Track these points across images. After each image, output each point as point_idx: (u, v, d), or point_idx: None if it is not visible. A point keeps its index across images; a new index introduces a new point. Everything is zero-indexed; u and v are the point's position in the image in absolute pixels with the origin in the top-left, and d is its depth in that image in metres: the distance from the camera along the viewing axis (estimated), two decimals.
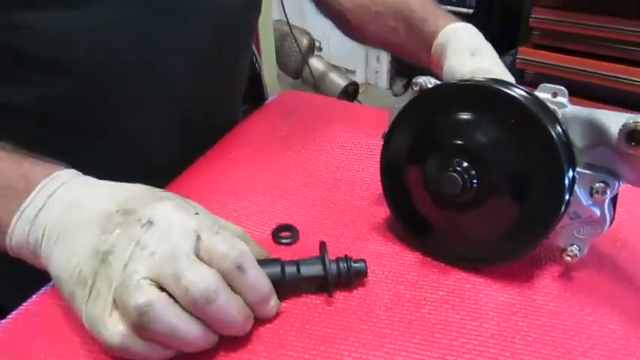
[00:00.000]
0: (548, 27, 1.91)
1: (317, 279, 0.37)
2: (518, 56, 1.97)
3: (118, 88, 0.49)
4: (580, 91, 1.79)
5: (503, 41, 2.18)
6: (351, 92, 2.55)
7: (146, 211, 0.33)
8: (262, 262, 0.35)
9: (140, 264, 0.30)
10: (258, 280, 0.33)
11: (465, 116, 0.38)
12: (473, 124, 0.38)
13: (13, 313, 0.37)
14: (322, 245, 0.39)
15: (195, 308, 0.30)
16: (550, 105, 0.38)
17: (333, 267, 0.37)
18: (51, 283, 0.39)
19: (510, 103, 0.36)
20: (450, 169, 0.37)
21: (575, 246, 0.38)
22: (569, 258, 0.38)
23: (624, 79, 1.75)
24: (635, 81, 1.73)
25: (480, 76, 0.43)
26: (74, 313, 0.33)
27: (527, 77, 1.99)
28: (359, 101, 2.59)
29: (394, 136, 0.42)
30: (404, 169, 0.42)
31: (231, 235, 0.33)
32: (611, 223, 0.37)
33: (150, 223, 0.32)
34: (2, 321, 0.36)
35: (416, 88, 0.43)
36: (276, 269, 0.36)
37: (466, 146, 0.37)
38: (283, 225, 0.45)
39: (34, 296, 0.39)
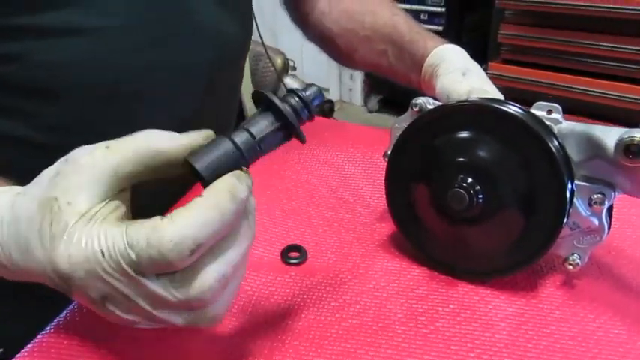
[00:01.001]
0: (516, 42, 1.99)
1: (278, 132, 0.32)
2: (488, 71, 2.03)
3: (118, 113, 0.50)
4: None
5: (473, 57, 2.25)
6: (327, 110, 2.58)
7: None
8: (207, 147, 0.30)
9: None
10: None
11: (467, 135, 0.40)
12: (475, 142, 0.39)
13: (25, 348, 0.37)
14: (263, 94, 0.32)
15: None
16: (546, 121, 0.40)
17: (287, 108, 0.32)
18: (58, 319, 0.39)
19: (510, 121, 0.38)
20: (456, 185, 0.39)
21: (575, 255, 0.40)
22: (571, 267, 0.40)
23: (589, 91, 1.82)
24: (599, 93, 1.81)
25: (475, 95, 0.45)
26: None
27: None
28: (335, 118, 2.62)
29: (398, 155, 0.44)
30: (409, 187, 0.43)
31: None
32: (609, 231, 0.39)
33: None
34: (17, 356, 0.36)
35: (416, 109, 0.44)
36: (228, 148, 0.30)
37: (470, 163, 0.39)
38: (291, 245, 0.46)
39: (46, 331, 0.38)
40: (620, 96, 1.76)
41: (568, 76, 1.86)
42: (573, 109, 1.87)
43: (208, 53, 0.53)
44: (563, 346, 0.36)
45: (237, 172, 0.30)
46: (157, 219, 0.27)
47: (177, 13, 0.50)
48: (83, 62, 0.45)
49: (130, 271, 0.27)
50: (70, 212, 0.28)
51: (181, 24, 0.50)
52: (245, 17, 0.61)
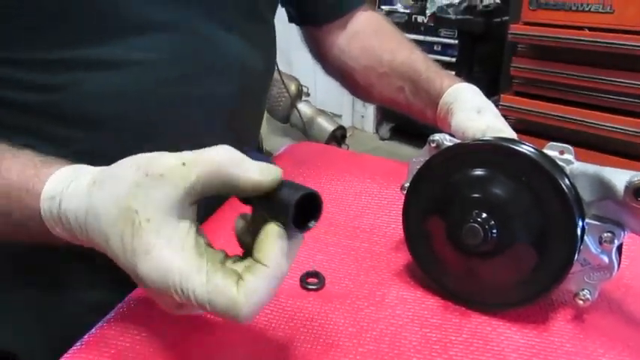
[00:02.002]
0: (528, 75, 2.02)
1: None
2: (500, 103, 2.06)
3: (144, 145, 0.52)
4: (559, 137, 1.88)
5: (484, 88, 2.29)
6: (339, 136, 2.61)
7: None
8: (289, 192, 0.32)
9: None
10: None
11: (482, 172, 0.42)
12: (490, 179, 0.41)
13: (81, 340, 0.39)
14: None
15: None
16: (558, 162, 0.42)
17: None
18: (88, 334, 0.41)
19: (524, 160, 0.40)
20: (471, 220, 0.41)
21: (586, 290, 0.41)
22: (581, 302, 0.41)
23: (601, 125, 1.84)
24: (610, 127, 1.82)
25: (491, 134, 0.47)
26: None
27: (509, 123, 2.07)
28: (347, 145, 2.65)
29: (416, 189, 0.46)
30: (425, 219, 0.45)
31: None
32: (618, 268, 0.41)
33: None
34: None
35: (433, 145, 0.47)
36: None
37: (485, 199, 0.41)
38: (310, 272, 0.48)
39: (76, 346, 0.40)
40: (632, 131, 1.78)
41: (579, 109, 1.89)
42: (585, 142, 1.89)
43: (234, 87, 0.56)
44: None
45: (280, 231, 0.32)
46: (232, 288, 0.30)
47: (208, 48, 0.53)
48: (123, 94, 0.48)
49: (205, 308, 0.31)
50: (150, 230, 0.31)
51: (211, 59, 0.53)
52: (269, 52, 0.64)
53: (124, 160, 0.34)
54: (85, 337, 0.41)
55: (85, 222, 0.34)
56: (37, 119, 0.48)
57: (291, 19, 0.73)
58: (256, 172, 0.32)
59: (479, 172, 0.42)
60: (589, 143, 1.90)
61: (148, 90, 0.50)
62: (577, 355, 0.39)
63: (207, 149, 0.33)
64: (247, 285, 0.30)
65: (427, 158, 0.45)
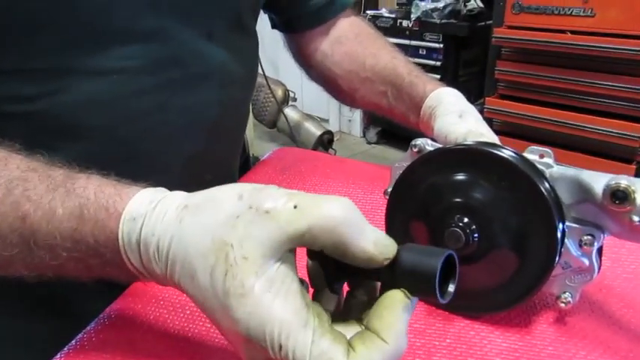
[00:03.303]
0: (513, 79, 2.04)
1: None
2: (485, 106, 2.08)
3: (131, 150, 0.52)
4: (543, 139, 1.90)
5: (470, 91, 2.31)
6: (326, 141, 2.61)
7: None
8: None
9: None
10: None
11: (463, 177, 0.42)
12: (471, 184, 0.42)
13: None
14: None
15: None
16: (538, 165, 0.42)
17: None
18: (67, 347, 0.41)
19: (505, 165, 0.40)
20: (453, 224, 0.41)
21: (567, 293, 0.41)
22: (563, 304, 0.41)
23: (585, 127, 1.87)
24: (594, 129, 1.85)
25: (472, 138, 0.48)
26: None
27: (494, 126, 2.10)
28: (334, 149, 2.65)
29: (398, 194, 0.46)
30: (407, 224, 0.45)
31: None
32: (599, 271, 0.41)
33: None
34: None
35: (415, 149, 0.47)
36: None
37: (466, 204, 0.41)
38: None
39: (57, 357, 0.40)
40: (615, 133, 1.80)
41: (563, 112, 1.91)
42: (569, 144, 1.92)
43: (215, 95, 0.56)
44: None
45: (408, 303, 0.29)
46: (341, 354, 0.27)
47: (189, 57, 0.53)
48: (103, 102, 0.48)
49: None
50: (247, 271, 0.27)
51: (192, 68, 0.53)
52: (251, 60, 0.64)
53: (224, 186, 0.31)
54: (65, 349, 0.41)
55: (169, 251, 0.30)
56: (20, 128, 0.47)
57: (274, 26, 0.73)
58: (371, 245, 0.28)
59: (460, 176, 0.42)
60: (572, 145, 1.92)
61: (130, 98, 0.50)
62: (559, 358, 0.39)
63: (325, 198, 0.28)
64: (359, 359, 0.27)
65: (409, 163, 0.46)
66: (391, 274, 0.29)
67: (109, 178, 0.35)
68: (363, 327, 0.29)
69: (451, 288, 0.30)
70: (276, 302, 0.27)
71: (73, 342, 0.41)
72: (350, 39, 0.70)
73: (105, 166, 0.51)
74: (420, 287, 0.28)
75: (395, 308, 0.28)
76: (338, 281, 0.32)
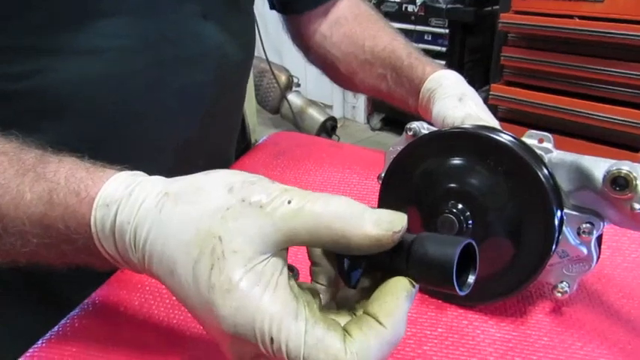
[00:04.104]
0: (518, 65, 2.01)
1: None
2: (490, 93, 2.05)
3: (122, 131, 0.51)
4: (549, 126, 1.87)
5: (475, 78, 2.28)
6: (329, 127, 2.60)
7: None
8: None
9: None
10: None
11: (459, 161, 0.40)
12: (467, 169, 0.40)
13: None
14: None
15: None
16: (537, 150, 0.40)
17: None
18: (50, 332, 0.40)
19: (502, 149, 0.39)
20: (447, 211, 0.39)
21: (564, 283, 0.40)
22: (559, 294, 0.40)
23: (591, 114, 1.84)
24: (600, 116, 1.82)
25: (470, 122, 0.46)
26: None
27: (500, 113, 2.07)
28: (337, 136, 2.64)
29: (392, 179, 0.44)
30: (401, 210, 0.44)
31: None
32: (598, 260, 0.40)
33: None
34: None
35: (410, 133, 0.45)
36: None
37: (461, 189, 0.40)
38: None
39: (38, 344, 0.39)
40: (622, 120, 1.77)
41: (569, 99, 1.88)
42: (575, 132, 1.89)
43: (211, 75, 0.55)
44: None
45: (412, 291, 0.27)
46: (338, 343, 0.25)
47: (183, 36, 0.51)
48: (93, 81, 0.46)
49: None
50: (236, 264, 0.25)
51: (187, 47, 0.52)
52: (248, 42, 0.63)
53: (212, 173, 0.29)
54: (47, 334, 0.40)
55: (146, 241, 0.28)
56: (9, 108, 0.46)
57: (272, 7, 0.72)
58: (372, 226, 0.26)
59: (455, 161, 0.41)
60: (579, 133, 1.89)
61: (120, 78, 0.48)
62: (554, 349, 0.38)
63: (321, 195, 0.27)
64: (357, 344, 0.25)
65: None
66: (405, 264, 0.27)
67: (84, 161, 0.33)
68: (358, 315, 0.28)
69: (470, 279, 0.28)
70: (265, 295, 0.25)
71: (56, 328, 0.41)
72: (349, 20, 0.68)
73: (93, 149, 0.50)
74: (436, 277, 0.26)
75: (398, 294, 0.27)
76: (353, 271, 0.30)
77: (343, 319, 0.28)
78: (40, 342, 0.39)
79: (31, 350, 0.38)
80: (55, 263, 0.33)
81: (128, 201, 0.29)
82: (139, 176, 0.31)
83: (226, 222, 0.26)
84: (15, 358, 0.38)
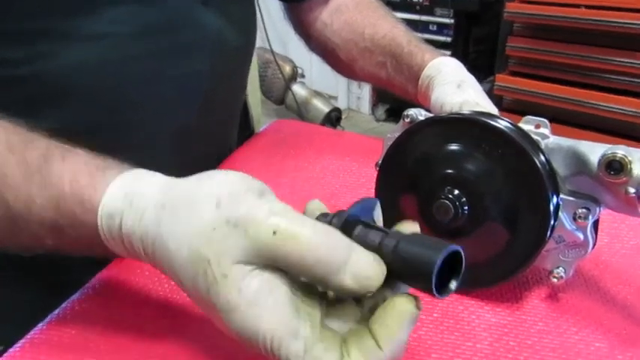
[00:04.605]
0: (524, 55, 1.99)
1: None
2: (496, 83, 2.04)
3: (121, 117, 0.51)
4: (555, 116, 1.86)
5: (480, 68, 2.26)
6: (334, 118, 2.59)
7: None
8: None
9: None
10: None
11: (455, 147, 0.40)
12: (463, 155, 0.40)
13: (18, 343, 0.38)
14: None
15: None
16: (533, 136, 0.40)
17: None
18: (51, 315, 0.40)
19: (497, 135, 0.39)
20: (442, 196, 0.39)
21: (561, 268, 0.40)
22: (555, 280, 0.40)
23: (596, 104, 1.82)
24: (606, 106, 1.80)
25: (467, 108, 0.46)
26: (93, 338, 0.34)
27: (505, 103, 2.06)
28: (342, 127, 2.63)
29: (388, 165, 0.45)
30: (398, 197, 0.44)
31: None
32: (594, 246, 0.40)
33: None
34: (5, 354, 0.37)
35: (407, 120, 0.45)
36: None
37: (457, 175, 0.40)
38: None
39: (38, 327, 0.39)
40: (629, 111, 1.76)
41: (575, 89, 1.86)
42: (582, 123, 1.88)
43: (209, 62, 0.55)
44: (543, 357, 0.36)
45: (416, 314, 0.28)
46: (337, 348, 0.27)
47: (183, 23, 0.51)
48: (92, 67, 0.47)
49: None
50: (229, 288, 0.27)
51: (186, 34, 0.52)
52: (248, 29, 0.63)
53: (203, 181, 0.30)
54: (48, 317, 0.40)
55: (153, 251, 0.30)
56: (9, 93, 0.46)
57: None
58: (350, 280, 0.26)
59: (451, 147, 0.41)
60: (585, 123, 1.88)
61: (120, 64, 0.48)
62: (549, 334, 0.38)
63: (303, 224, 0.27)
64: None
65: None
66: (390, 260, 0.27)
67: (83, 156, 0.34)
68: (363, 315, 0.29)
69: (452, 285, 0.28)
70: (265, 314, 0.26)
71: (56, 311, 0.41)
72: (350, 8, 0.68)
73: (92, 135, 0.51)
74: (416, 280, 0.27)
75: (401, 318, 0.27)
76: None
77: (350, 315, 0.29)
78: (40, 325, 0.40)
79: (31, 333, 0.39)
80: (73, 255, 0.35)
81: (130, 212, 0.30)
82: (136, 180, 0.32)
83: (212, 244, 0.27)
84: (15, 340, 0.39)
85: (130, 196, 0.31)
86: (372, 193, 0.55)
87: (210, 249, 0.27)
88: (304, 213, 0.33)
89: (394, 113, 2.82)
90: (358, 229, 0.29)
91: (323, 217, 0.32)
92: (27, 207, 0.33)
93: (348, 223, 0.30)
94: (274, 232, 0.26)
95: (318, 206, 0.33)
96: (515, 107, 2.03)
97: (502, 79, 2.03)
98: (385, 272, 0.27)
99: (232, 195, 0.28)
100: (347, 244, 0.27)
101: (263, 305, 0.26)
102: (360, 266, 0.27)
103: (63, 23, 0.45)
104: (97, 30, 0.46)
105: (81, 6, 0.45)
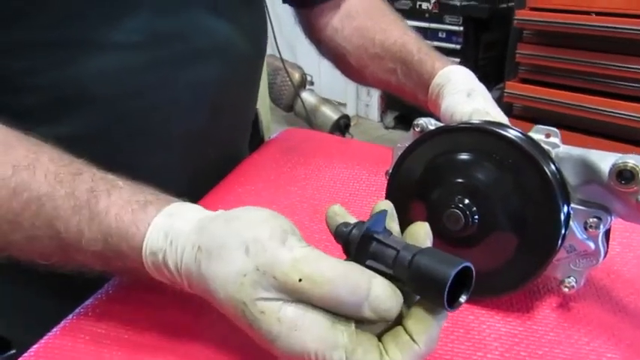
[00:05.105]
0: (534, 62, 1.99)
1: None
2: (505, 90, 2.03)
3: (135, 123, 0.52)
4: (566, 124, 1.85)
5: (490, 75, 2.26)
6: (342, 125, 2.59)
7: None
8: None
9: None
10: None
11: (466, 156, 0.41)
12: (473, 164, 0.40)
13: (32, 348, 0.39)
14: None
15: None
16: (544, 145, 0.40)
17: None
18: (64, 321, 0.41)
19: (508, 144, 0.39)
20: (452, 205, 0.39)
21: (572, 278, 0.40)
22: (566, 289, 0.40)
23: (607, 111, 1.81)
24: (616, 113, 1.79)
25: (478, 117, 0.46)
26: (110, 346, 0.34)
27: (515, 110, 2.05)
28: (350, 134, 2.63)
29: (399, 174, 0.45)
30: (408, 205, 0.44)
31: None
32: (605, 255, 0.40)
33: None
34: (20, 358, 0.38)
35: (417, 129, 0.45)
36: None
37: (467, 184, 0.40)
38: None
39: (52, 332, 0.40)
40: (639, 117, 1.74)
41: (585, 96, 1.85)
42: (593, 130, 1.86)
43: (219, 69, 0.55)
44: None
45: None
46: (375, 349, 0.29)
47: (195, 30, 0.52)
48: (110, 75, 0.48)
49: None
50: (268, 321, 0.29)
51: (198, 41, 0.53)
52: (259, 36, 0.63)
53: (229, 225, 0.32)
54: (61, 323, 0.41)
55: (197, 286, 0.33)
56: (30, 100, 0.47)
57: (284, 0, 0.72)
58: (369, 312, 0.29)
59: (462, 156, 0.41)
60: (596, 131, 1.87)
61: (135, 72, 0.49)
62: (560, 344, 0.38)
63: (328, 268, 0.29)
64: None
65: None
66: (406, 274, 0.29)
67: (127, 191, 0.37)
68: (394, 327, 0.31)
69: (462, 299, 0.30)
70: (305, 335, 0.29)
71: (70, 316, 0.41)
72: (360, 13, 0.69)
73: (108, 140, 0.52)
74: (429, 293, 0.29)
75: (433, 314, 0.29)
76: None
77: (377, 327, 0.31)
78: (54, 330, 0.40)
79: (45, 338, 0.39)
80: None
81: (171, 251, 0.33)
82: (174, 218, 0.35)
83: (245, 289, 0.30)
84: (29, 345, 0.39)
85: (169, 236, 0.34)
86: (384, 200, 0.56)
87: (244, 293, 0.30)
88: (326, 218, 0.35)
89: (403, 120, 2.82)
90: (374, 245, 0.31)
91: (344, 227, 0.33)
92: (77, 238, 0.35)
93: (365, 237, 0.31)
94: (300, 280, 0.29)
95: (338, 211, 0.35)
96: (525, 114, 2.03)
97: (512, 87, 2.02)
98: (402, 301, 0.30)
99: (258, 242, 0.31)
100: (366, 280, 0.29)
101: (302, 328, 0.29)
102: (379, 301, 0.29)
103: (82, 33, 0.46)
104: (114, 39, 0.47)
105: (100, 17, 0.46)
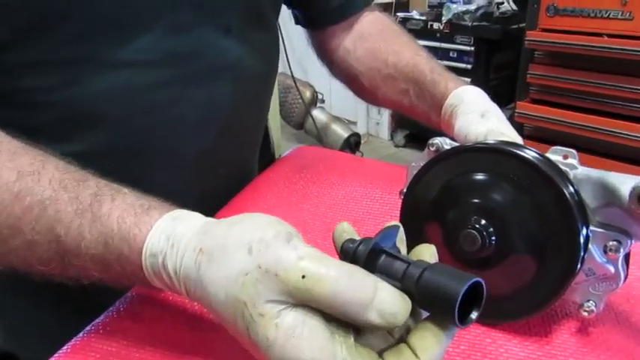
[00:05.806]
0: (545, 82, 1.99)
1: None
2: (516, 111, 2.03)
3: (146, 141, 0.52)
4: (576, 144, 1.84)
5: (501, 96, 2.26)
6: (353, 143, 2.60)
7: None
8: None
9: None
10: None
11: (482, 177, 0.40)
12: (490, 185, 0.40)
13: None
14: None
15: None
16: (562, 166, 0.40)
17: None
18: (75, 339, 0.41)
19: (526, 165, 0.38)
20: (469, 226, 0.39)
21: (591, 302, 0.39)
22: (586, 313, 0.39)
23: (618, 133, 1.80)
24: (628, 135, 1.78)
25: (492, 137, 0.46)
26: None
27: (526, 131, 2.05)
28: (361, 152, 2.64)
29: (413, 194, 0.44)
30: (423, 225, 0.44)
31: None
32: (625, 279, 0.39)
33: None
34: None
35: (432, 149, 0.45)
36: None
37: (484, 205, 0.39)
38: None
39: (62, 350, 0.40)
40: None
41: (597, 117, 1.85)
42: (605, 152, 1.85)
43: (231, 90, 0.56)
44: None
45: (454, 329, 0.29)
46: None
47: (207, 49, 0.53)
48: (121, 93, 0.48)
49: None
50: (266, 325, 0.28)
51: (209, 60, 0.53)
52: (271, 56, 0.64)
53: (235, 227, 0.31)
54: (72, 341, 0.41)
55: (194, 292, 0.32)
56: (42, 118, 0.48)
57: (297, 22, 0.73)
58: (376, 317, 0.28)
59: (478, 176, 0.40)
60: (609, 152, 1.86)
61: (146, 90, 0.50)
62: None
63: (331, 266, 0.28)
64: None
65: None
66: (414, 288, 0.28)
67: (130, 196, 0.37)
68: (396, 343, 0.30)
69: (473, 315, 0.29)
70: (303, 344, 0.28)
71: (81, 334, 0.41)
72: (373, 35, 0.69)
73: (121, 157, 0.52)
74: (438, 309, 0.28)
75: (439, 331, 0.29)
76: None
77: (380, 341, 0.30)
78: (64, 347, 0.40)
79: (55, 356, 0.39)
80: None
81: (171, 253, 0.33)
82: (177, 221, 0.34)
83: (246, 288, 0.29)
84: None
85: (171, 239, 0.33)
86: (395, 220, 0.55)
87: (244, 293, 0.29)
88: (333, 235, 0.34)
89: (413, 139, 2.82)
90: (382, 259, 0.30)
91: (350, 243, 0.32)
92: (77, 242, 0.35)
93: (373, 252, 0.30)
94: (303, 276, 0.28)
95: (346, 229, 0.34)
96: (536, 135, 2.02)
97: (523, 107, 2.02)
98: (410, 307, 0.28)
99: (262, 241, 0.30)
100: (372, 283, 0.28)
101: (299, 336, 0.28)
102: (385, 304, 0.28)
103: (95, 52, 0.46)
104: (126, 58, 0.48)
105: (113, 36, 0.47)
